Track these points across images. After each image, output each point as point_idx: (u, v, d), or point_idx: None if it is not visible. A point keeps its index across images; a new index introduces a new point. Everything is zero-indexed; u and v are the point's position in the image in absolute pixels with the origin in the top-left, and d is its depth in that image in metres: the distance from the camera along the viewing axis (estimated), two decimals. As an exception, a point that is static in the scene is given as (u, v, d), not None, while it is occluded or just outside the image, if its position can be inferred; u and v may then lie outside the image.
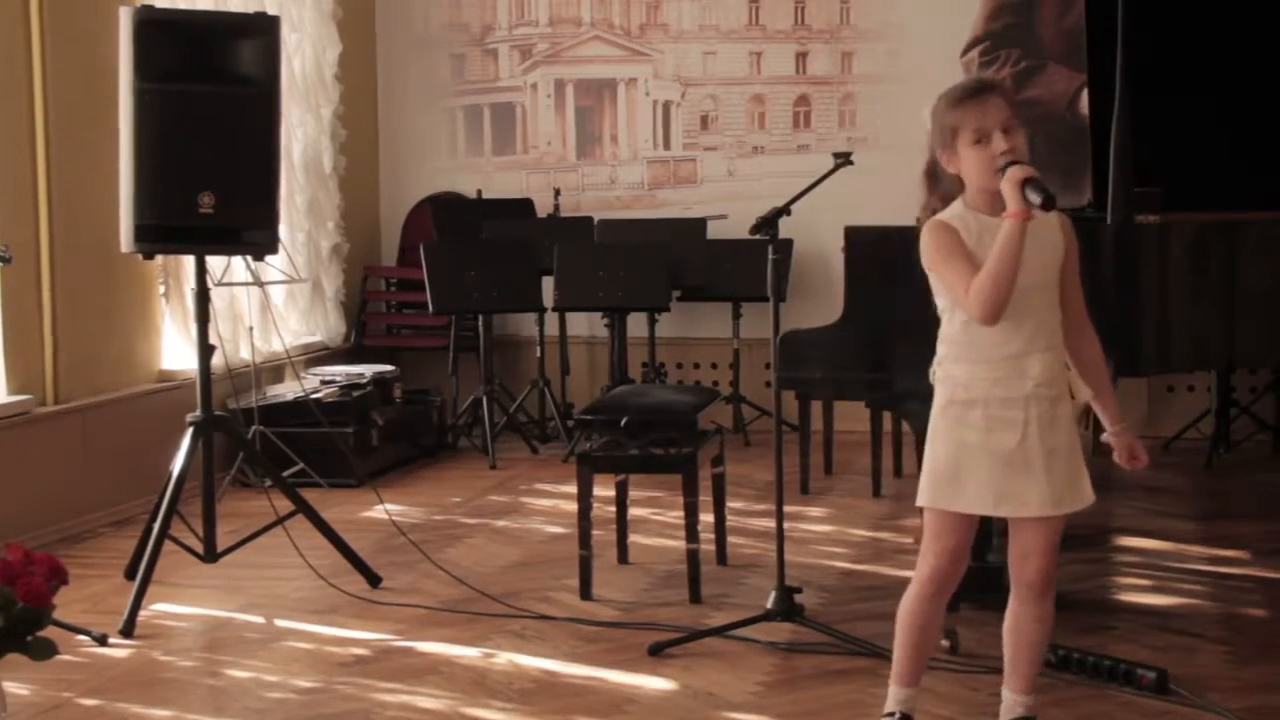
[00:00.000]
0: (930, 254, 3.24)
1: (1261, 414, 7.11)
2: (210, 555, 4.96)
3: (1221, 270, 4.41)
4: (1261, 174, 5.15)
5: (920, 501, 3.32)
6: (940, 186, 3.29)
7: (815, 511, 6.05)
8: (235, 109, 4.78)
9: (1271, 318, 4.52)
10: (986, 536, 4.33)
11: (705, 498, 4.93)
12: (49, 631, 3.29)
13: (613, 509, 5.25)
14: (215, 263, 5.73)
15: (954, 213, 3.26)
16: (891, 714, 3.43)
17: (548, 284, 7.27)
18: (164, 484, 4.88)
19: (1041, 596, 3.32)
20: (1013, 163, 3.14)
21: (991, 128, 3.17)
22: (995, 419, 3.22)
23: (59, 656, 3.36)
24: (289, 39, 7.27)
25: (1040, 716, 3.49)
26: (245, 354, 6.70)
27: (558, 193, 8.10)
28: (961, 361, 3.26)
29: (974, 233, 3.21)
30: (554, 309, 7.39)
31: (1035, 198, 3.08)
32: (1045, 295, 3.23)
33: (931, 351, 3.33)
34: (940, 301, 3.29)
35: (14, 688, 3.95)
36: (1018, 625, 3.35)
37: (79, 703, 3.97)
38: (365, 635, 4.51)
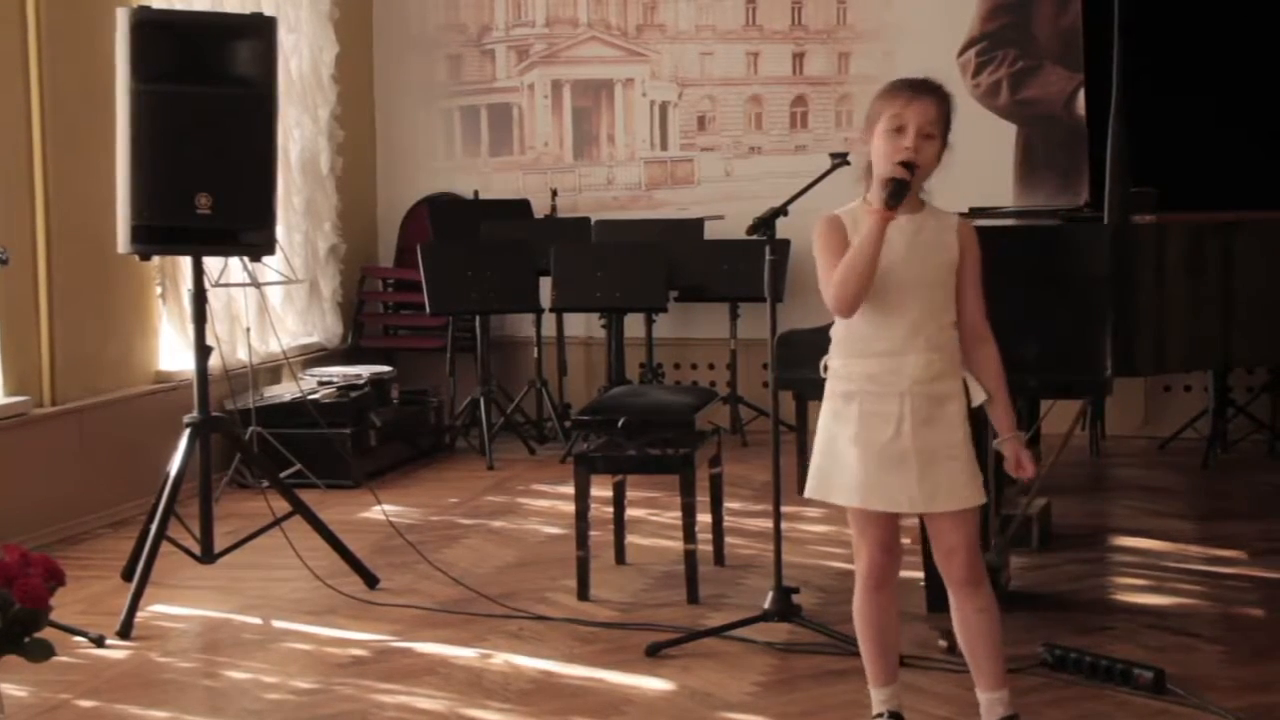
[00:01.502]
0: (815, 245, 3.31)
1: (1258, 414, 7.11)
2: (208, 556, 4.96)
3: (1218, 270, 4.41)
4: (1259, 174, 5.15)
5: (805, 493, 3.39)
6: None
7: (812, 512, 6.04)
8: (232, 110, 4.78)
9: (1268, 318, 4.52)
10: (983, 537, 4.33)
11: (703, 498, 4.93)
12: (46, 633, 3.29)
13: (610, 510, 5.25)
14: (212, 264, 5.73)
15: (850, 208, 3.33)
16: (880, 715, 3.44)
17: (545, 284, 7.27)
18: (161, 485, 4.88)
19: (974, 588, 3.33)
20: (909, 166, 3.16)
21: (909, 122, 3.20)
22: (869, 413, 3.26)
23: (56, 658, 3.36)
24: (286, 40, 7.27)
25: (1037, 716, 3.50)
26: (242, 355, 6.70)
27: (555, 193, 8.10)
28: (842, 355, 3.33)
29: (862, 229, 3.25)
30: (551, 309, 7.39)
31: (889, 200, 3.17)
32: (928, 295, 3.26)
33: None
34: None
35: (11, 689, 3.95)
36: (964, 622, 3.37)
37: (77, 704, 3.97)
38: (363, 636, 4.51)
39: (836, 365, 3.34)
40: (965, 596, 3.33)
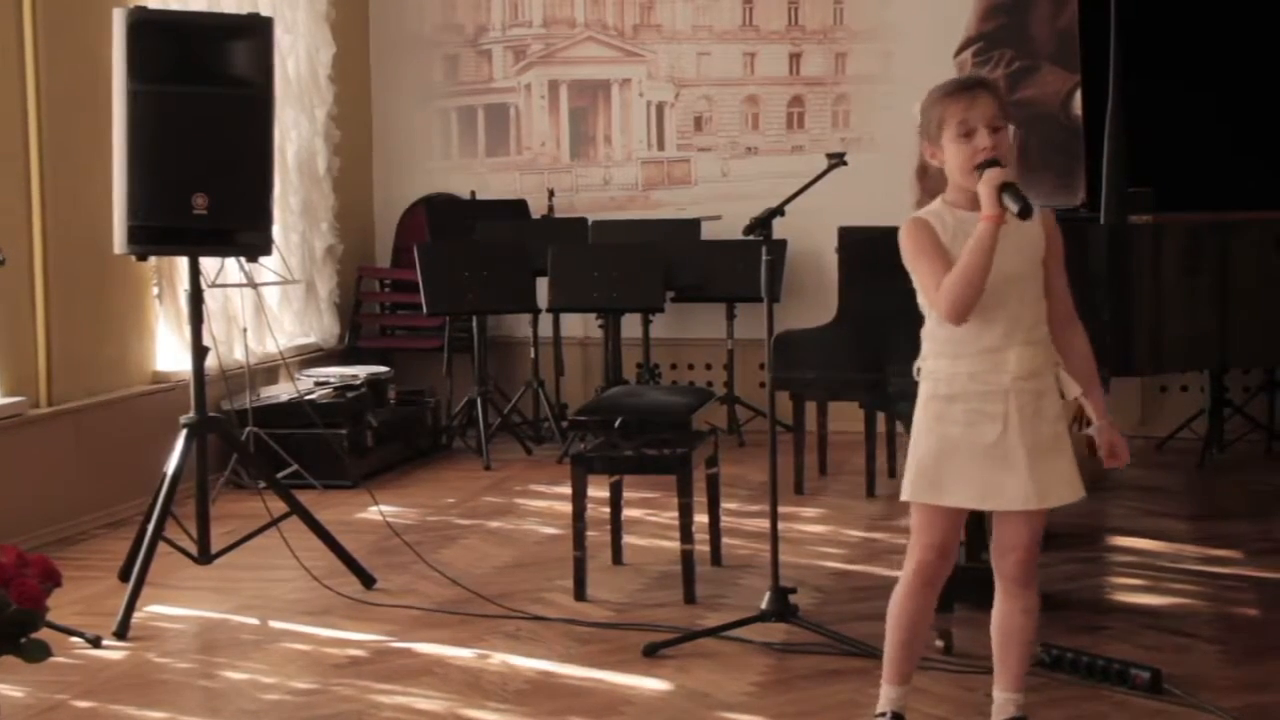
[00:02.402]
0: (906, 250, 3.27)
1: (1255, 414, 7.12)
2: (204, 557, 4.96)
3: (1214, 270, 4.42)
4: (1255, 174, 5.16)
5: (905, 496, 3.33)
6: (931, 185, 3.31)
7: (809, 512, 6.05)
8: (229, 110, 4.78)
9: (1264, 318, 4.52)
10: (980, 535, 4.34)
11: (700, 498, 4.93)
12: (43, 634, 3.29)
13: (607, 510, 5.25)
14: (209, 264, 5.73)
15: (932, 209, 3.29)
16: (883, 714, 3.43)
17: (542, 285, 7.27)
18: (158, 485, 4.87)
19: (1025, 589, 3.32)
20: (992, 162, 3.16)
21: (976, 123, 3.19)
22: (975, 413, 3.23)
23: (53, 659, 3.36)
24: (283, 40, 7.27)
25: (1034, 716, 3.50)
26: (239, 355, 6.70)
27: (552, 194, 8.10)
28: (941, 357, 3.29)
29: (950, 229, 3.23)
30: (548, 310, 7.39)
31: (1013, 205, 3.12)
32: (1022, 289, 3.24)
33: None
34: (921, 298, 3.31)
35: (8, 690, 3.95)
36: (1004, 620, 3.36)
37: (73, 705, 3.96)
38: (360, 636, 4.50)
39: (935, 367, 3.29)
40: (1014, 595, 3.32)
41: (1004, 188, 3.13)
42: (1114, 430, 3.32)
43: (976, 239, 3.15)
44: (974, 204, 3.20)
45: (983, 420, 3.23)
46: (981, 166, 3.16)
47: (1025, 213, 3.11)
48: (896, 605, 3.38)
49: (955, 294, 3.17)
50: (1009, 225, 3.20)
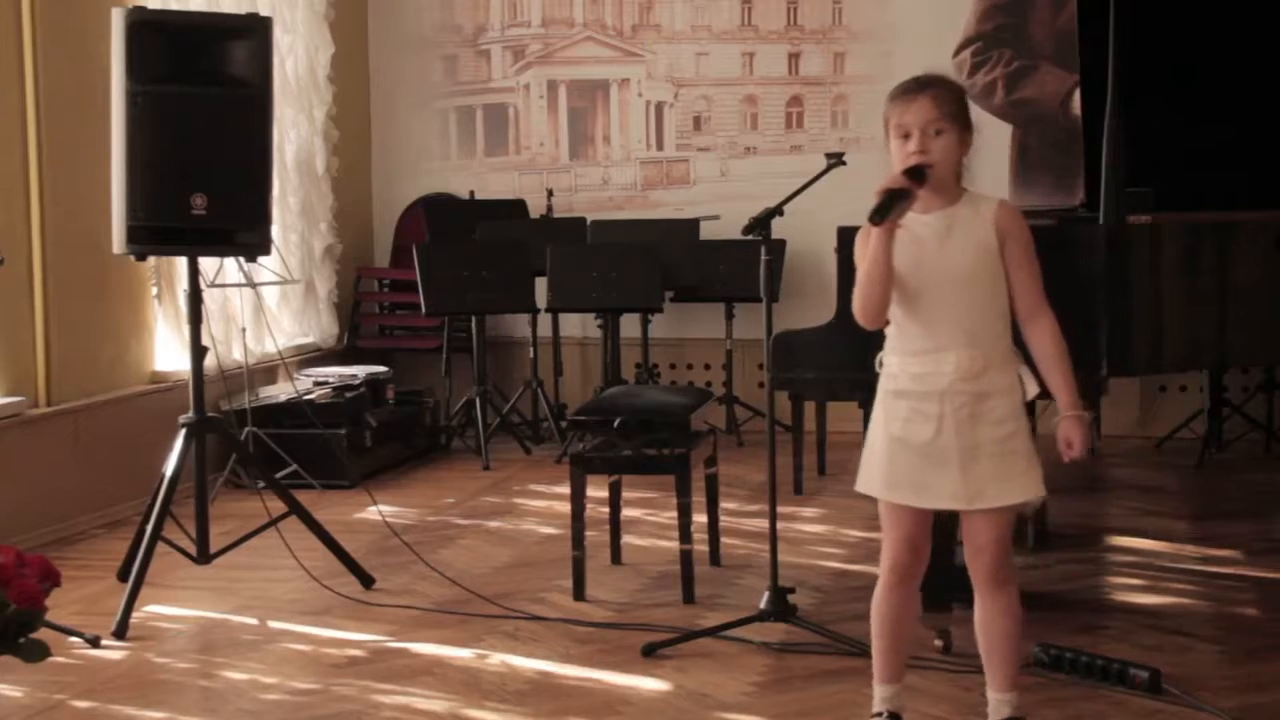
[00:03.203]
0: (855, 254, 3.30)
1: (1253, 413, 7.12)
2: (203, 557, 4.96)
3: (1213, 270, 4.42)
4: (1254, 174, 5.16)
5: (857, 488, 3.39)
6: None
7: (808, 512, 6.05)
8: (228, 110, 4.77)
9: (1263, 317, 4.52)
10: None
11: (699, 498, 4.93)
12: (41, 634, 3.28)
13: (606, 510, 5.25)
14: (208, 264, 5.73)
15: None
16: (879, 714, 3.44)
17: (541, 285, 7.27)
18: (156, 485, 4.87)
19: (1000, 589, 3.32)
20: (920, 166, 3.16)
21: (912, 127, 3.21)
22: (914, 411, 3.27)
23: (52, 659, 3.35)
24: (281, 40, 7.27)
25: (1033, 716, 3.50)
26: (238, 355, 6.70)
27: (550, 194, 8.10)
28: (893, 352, 3.33)
29: (904, 233, 3.23)
30: (547, 310, 7.39)
31: (872, 210, 3.14)
32: (964, 290, 3.23)
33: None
34: None
35: (7, 690, 3.95)
36: (985, 621, 3.36)
37: (72, 705, 3.96)
38: (359, 636, 4.50)
39: (889, 362, 3.33)
40: (989, 596, 3.33)
41: (884, 194, 3.15)
42: (1075, 423, 3.25)
43: (870, 247, 3.19)
44: (921, 208, 3.22)
45: (920, 419, 3.26)
46: (909, 171, 3.17)
47: (872, 217, 3.14)
48: (877, 604, 3.41)
49: (855, 299, 3.23)
50: (954, 228, 3.23)
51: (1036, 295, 3.28)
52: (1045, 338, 3.27)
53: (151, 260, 6.20)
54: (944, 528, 3.65)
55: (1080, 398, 3.29)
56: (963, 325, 3.23)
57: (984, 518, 3.28)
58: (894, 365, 3.31)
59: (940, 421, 3.23)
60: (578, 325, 8.03)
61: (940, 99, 3.22)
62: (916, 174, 3.18)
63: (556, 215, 8.06)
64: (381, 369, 7.37)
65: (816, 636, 4.29)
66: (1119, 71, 4.33)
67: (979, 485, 3.24)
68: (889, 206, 3.15)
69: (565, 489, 4.91)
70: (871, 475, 3.34)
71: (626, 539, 5.38)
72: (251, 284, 6.42)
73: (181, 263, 5.43)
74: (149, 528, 4.78)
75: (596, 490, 5.07)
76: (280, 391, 6.94)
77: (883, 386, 3.34)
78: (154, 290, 6.50)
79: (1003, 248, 3.25)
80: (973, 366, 3.22)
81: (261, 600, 4.90)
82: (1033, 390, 3.27)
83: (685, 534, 4.76)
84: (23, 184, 5.72)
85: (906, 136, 3.21)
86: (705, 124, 8.15)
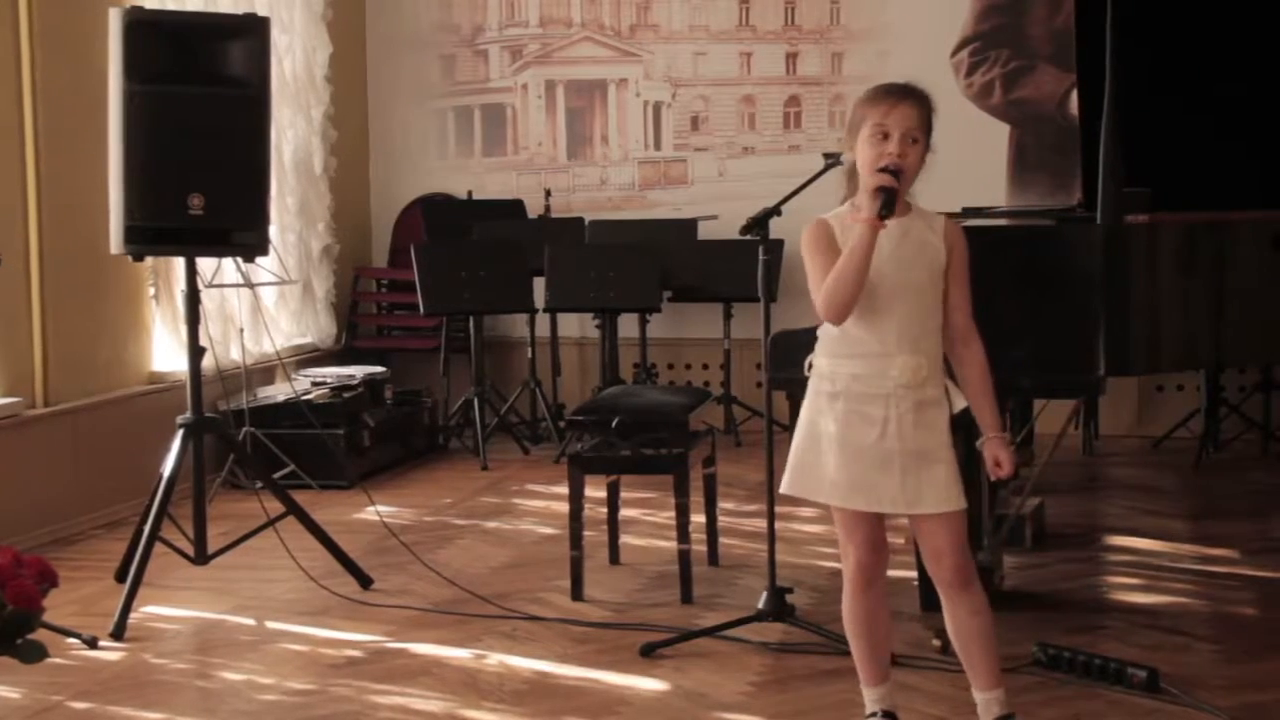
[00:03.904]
0: (803, 250, 3.33)
1: (1250, 413, 7.13)
2: (201, 557, 4.96)
3: (1210, 270, 4.42)
4: (1251, 174, 5.16)
5: (782, 489, 3.40)
6: (856, 186, 3.35)
7: (806, 512, 6.04)
8: (225, 110, 4.77)
9: (1260, 317, 4.52)
10: (975, 536, 4.34)
11: (696, 498, 4.93)
12: (39, 634, 3.28)
13: (604, 510, 5.25)
14: (205, 264, 5.73)
15: (839, 211, 3.35)
16: (873, 714, 3.44)
17: (539, 285, 7.27)
18: (154, 486, 4.87)
19: (964, 590, 3.33)
20: (894, 170, 3.18)
21: (893, 129, 3.22)
22: (855, 413, 3.27)
23: (49, 659, 3.35)
24: (279, 40, 7.27)
25: (1030, 715, 3.50)
26: (236, 355, 6.70)
27: (548, 194, 8.10)
28: (829, 355, 3.34)
29: (851, 232, 3.26)
30: (545, 310, 7.39)
31: (875, 205, 3.17)
32: (915, 298, 3.27)
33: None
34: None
35: (4, 691, 3.95)
36: (956, 625, 3.37)
37: (70, 706, 3.96)
38: (357, 637, 4.50)
39: (822, 365, 3.35)
40: (956, 599, 3.34)
41: (882, 192, 3.18)
42: (1000, 443, 3.31)
43: (853, 242, 3.21)
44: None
45: (862, 421, 3.27)
46: (883, 171, 3.20)
47: (880, 213, 3.17)
48: (849, 610, 3.42)
49: (829, 293, 3.23)
50: (908, 236, 3.27)
51: (971, 314, 3.34)
52: (980, 358, 3.33)
53: (149, 261, 6.20)
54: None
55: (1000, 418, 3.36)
56: (910, 333, 3.27)
57: (939, 521, 3.29)
58: (829, 367, 3.33)
59: (885, 425, 3.25)
60: (576, 325, 8.03)
61: (923, 110, 3.27)
62: (894, 176, 3.21)
63: (554, 215, 8.06)
64: (379, 369, 7.37)
65: (814, 636, 4.29)
66: (1116, 71, 4.33)
67: (917, 491, 3.26)
68: (892, 203, 3.19)
69: (563, 489, 4.92)
70: (798, 476, 3.35)
71: (625, 539, 5.38)
72: (249, 284, 6.42)
73: (179, 263, 5.43)
74: (147, 528, 4.78)
75: (595, 490, 5.07)
76: (278, 392, 6.94)
77: (814, 388, 3.35)
78: (151, 291, 6.50)
79: (948, 263, 3.30)
80: (917, 374, 3.26)
81: (259, 601, 4.90)
82: (959, 404, 3.32)
83: (683, 534, 4.76)
84: (20, 184, 5.72)
85: (885, 137, 3.23)
86: (703, 124, 8.15)
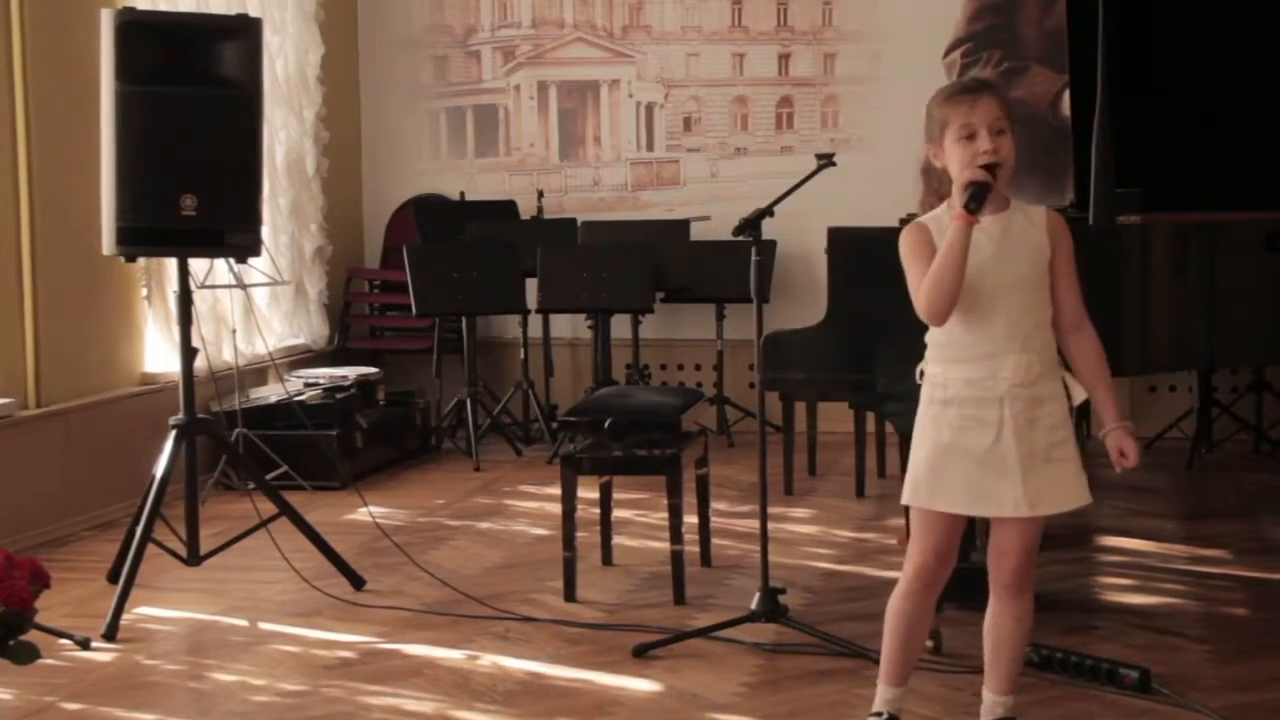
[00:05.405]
0: (902, 253, 3.28)
1: (1242, 414, 7.14)
2: (193, 558, 4.95)
3: (1202, 271, 4.43)
4: (1243, 175, 5.17)
5: (904, 500, 3.33)
6: (935, 184, 3.32)
7: (799, 512, 6.06)
8: (217, 111, 4.77)
9: (1252, 318, 4.54)
10: (970, 536, 4.34)
11: (689, 499, 4.93)
12: (31, 635, 3.28)
13: (597, 511, 5.25)
14: (198, 265, 5.72)
15: (935, 213, 3.30)
16: (879, 714, 3.43)
17: (531, 286, 7.26)
18: (147, 487, 4.86)
19: (1018, 595, 3.32)
20: (993, 165, 3.17)
21: (979, 125, 3.19)
22: (970, 418, 3.23)
23: (41, 660, 3.35)
24: (271, 41, 7.26)
25: (1023, 716, 3.50)
26: (228, 356, 6.69)
27: (541, 194, 8.10)
28: (939, 361, 3.29)
29: (947, 234, 3.22)
30: (537, 311, 7.39)
31: (961, 200, 3.15)
32: (1021, 295, 3.23)
33: (914, 352, 3.34)
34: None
35: (-4, 692, 3.95)
36: (996, 624, 3.36)
37: (62, 707, 3.95)
38: (349, 638, 4.50)
39: (933, 371, 3.29)
40: (1007, 601, 3.32)
41: (972, 186, 3.15)
42: (1124, 433, 3.29)
43: (948, 240, 3.17)
44: None
45: (977, 426, 3.22)
46: (983, 169, 3.17)
47: (967, 208, 3.14)
48: (895, 607, 3.38)
49: (927, 294, 3.19)
50: (1009, 231, 3.22)
51: (1081, 305, 3.30)
52: (1095, 348, 3.30)
53: (141, 261, 6.19)
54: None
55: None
56: (1019, 331, 3.22)
57: (1018, 525, 3.26)
58: (939, 374, 3.27)
59: (1000, 428, 3.20)
60: (568, 326, 8.03)
61: (1003, 100, 3.24)
62: (990, 171, 3.18)
63: (547, 216, 8.06)
64: (372, 370, 7.36)
65: (807, 637, 4.29)
66: (1108, 72, 4.34)
67: (1038, 492, 3.22)
68: (983, 196, 3.16)
69: (556, 490, 4.92)
70: (922, 487, 3.28)
71: (617, 540, 5.38)
72: (241, 285, 6.41)
73: (171, 264, 5.41)
74: (139, 529, 4.77)
75: (587, 491, 5.06)
76: (271, 393, 6.93)
77: (927, 396, 3.29)
78: (144, 291, 6.49)
79: (1053, 255, 3.27)
80: (1029, 372, 3.21)
81: (251, 602, 4.89)
82: (1080, 397, 3.28)
83: (676, 535, 4.76)
84: (12, 185, 5.71)
85: (972, 136, 3.19)
86: (695, 125, 8.15)
